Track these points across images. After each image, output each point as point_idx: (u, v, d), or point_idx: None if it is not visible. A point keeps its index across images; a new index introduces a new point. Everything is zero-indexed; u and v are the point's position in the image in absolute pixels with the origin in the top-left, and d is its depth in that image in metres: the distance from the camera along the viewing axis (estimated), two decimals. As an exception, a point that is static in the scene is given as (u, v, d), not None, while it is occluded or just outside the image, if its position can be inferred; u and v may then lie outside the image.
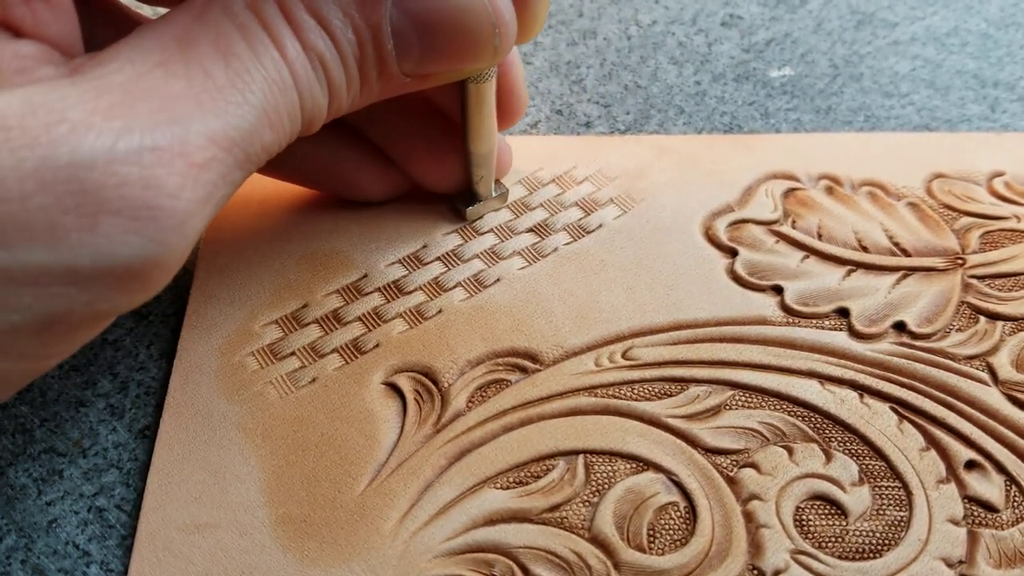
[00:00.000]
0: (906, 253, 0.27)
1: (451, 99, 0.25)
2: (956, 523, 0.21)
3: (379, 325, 0.25)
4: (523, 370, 0.24)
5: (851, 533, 0.21)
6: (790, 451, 0.22)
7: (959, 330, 0.25)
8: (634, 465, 0.22)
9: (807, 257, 0.27)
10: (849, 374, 0.24)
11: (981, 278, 0.26)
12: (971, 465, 0.22)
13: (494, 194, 0.27)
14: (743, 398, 0.23)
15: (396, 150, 0.26)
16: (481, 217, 0.28)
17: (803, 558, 0.21)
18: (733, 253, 0.27)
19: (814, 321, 0.25)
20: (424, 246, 0.27)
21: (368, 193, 0.27)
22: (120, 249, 0.17)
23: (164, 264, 0.18)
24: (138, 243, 0.17)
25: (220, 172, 0.18)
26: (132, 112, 0.17)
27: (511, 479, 0.22)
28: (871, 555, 0.21)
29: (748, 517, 0.21)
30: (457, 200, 0.27)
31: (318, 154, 0.26)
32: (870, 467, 0.22)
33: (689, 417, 0.23)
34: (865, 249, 0.27)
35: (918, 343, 0.25)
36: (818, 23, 0.36)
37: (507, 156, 0.28)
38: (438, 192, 0.27)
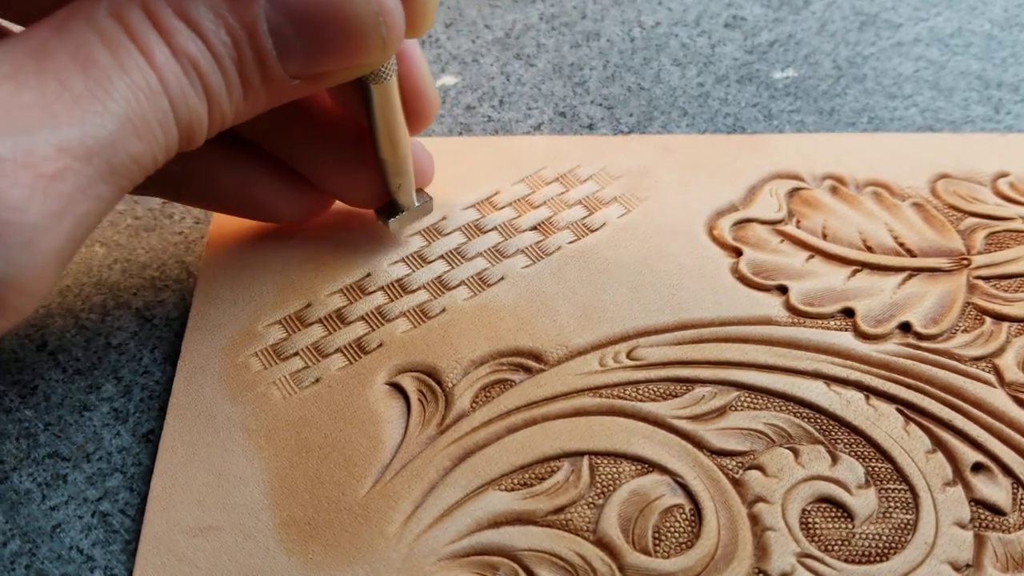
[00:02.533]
0: (911, 253, 0.27)
1: (357, 105, 0.23)
2: (963, 526, 0.21)
3: (383, 324, 0.25)
4: (527, 370, 0.24)
5: (857, 536, 0.21)
6: (796, 453, 0.22)
7: (965, 331, 0.25)
8: (639, 467, 0.22)
9: (812, 257, 0.27)
10: (855, 375, 0.24)
11: (987, 279, 0.26)
12: (978, 468, 0.22)
13: (417, 203, 0.26)
14: (748, 399, 0.23)
15: (307, 166, 0.25)
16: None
17: (809, 561, 0.21)
18: (738, 253, 0.27)
19: (819, 321, 0.25)
20: (427, 244, 0.27)
21: (285, 215, 0.26)
22: None
23: (18, 285, 0.17)
24: None
25: (77, 184, 0.17)
26: None
27: (515, 481, 0.22)
28: (877, 558, 0.21)
29: (754, 520, 0.21)
30: (380, 214, 0.26)
31: (226, 177, 0.25)
32: (876, 469, 0.22)
33: (694, 418, 0.23)
34: (870, 249, 0.27)
35: (924, 344, 0.24)
36: (821, 24, 0.36)
37: (427, 164, 0.27)
38: (358, 206, 0.26)
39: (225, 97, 0.19)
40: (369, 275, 0.26)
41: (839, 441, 0.23)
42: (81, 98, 0.17)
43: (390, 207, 0.26)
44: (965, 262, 0.26)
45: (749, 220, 0.28)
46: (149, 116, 0.18)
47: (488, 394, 0.23)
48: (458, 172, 0.29)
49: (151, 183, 0.20)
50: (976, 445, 0.22)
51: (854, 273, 0.26)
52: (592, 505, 0.21)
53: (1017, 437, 0.23)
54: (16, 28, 0.24)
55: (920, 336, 0.25)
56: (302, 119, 0.25)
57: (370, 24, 0.20)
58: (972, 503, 0.22)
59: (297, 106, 0.24)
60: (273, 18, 0.19)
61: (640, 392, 0.23)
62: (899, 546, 0.21)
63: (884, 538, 0.21)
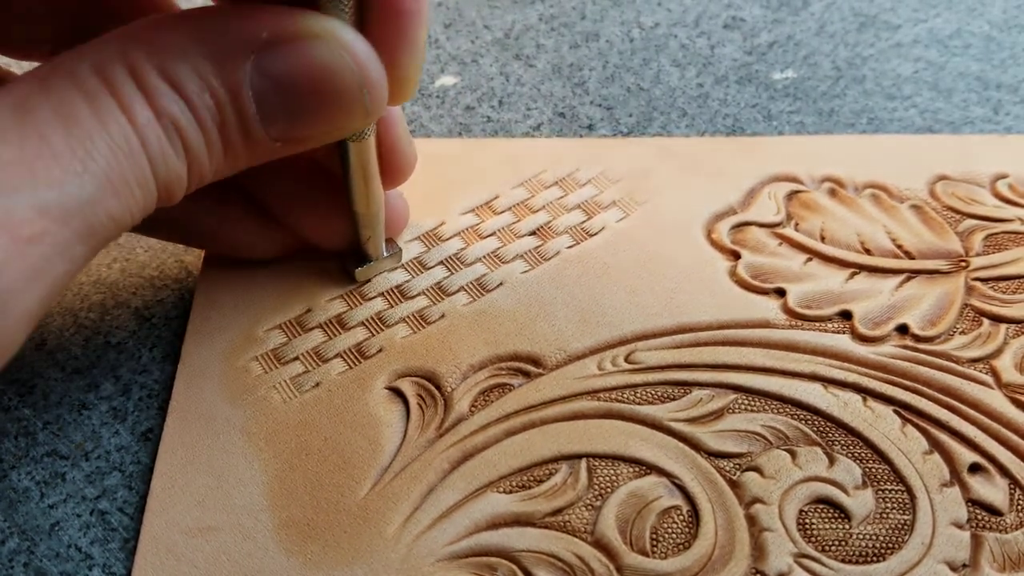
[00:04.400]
0: (909, 255, 0.27)
1: (334, 158, 0.24)
2: (960, 526, 0.21)
3: (382, 330, 0.25)
4: (526, 374, 0.24)
5: (854, 537, 0.21)
6: (793, 454, 0.22)
7: (962, 333, 0.25)
8: (637, 469, 0.22)
9: (810, 260, 0.27)
10: (852, 377, 0.24)
11: (984, 280, 0.26)
12: (975, 468, 0.22)
13: (385, 254, 0.26)
14: (746, 401, 0.23)
15: (282, 209, 0.25)
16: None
17: (806, 562, 0.21)
18: (736, 256, 0.27)
19: (817, 324, 0.25)
20: (427, 250, 0.27)
21: (257, 253, 0.26)
22: None
23: None
24: None
25: (54, 246, 0.17)
26: None
27: (514, 483, 0.22)
28: (874, 559, 0.21)
29: (751, 521, 0.21)
30: (347, 260, 0.26)
31: (201, 215, 0.25)
32: (873, 470, 0.22)
33: (692, 420, 0.23)
34: (868, 252, 0.27)
35: (921, 346, 0.25)
36: (820, 25, 0.36)
37: (403, 213, 0.27)
38: (329, 250, 0.26)
39: (205, 157, 0.19)
40: (369, 281, 0.26)
41: (836, 443, 0.23)
42: (61, 156, 0.17)
43: (358, 256, 0.26)
44: (963, 264, 0.27)
45: (747, 223, 0.28)
46: (128, 175, 0.18)
47: (487, 398, 0.23)
48: (457, 176, 0.29)
49: None
50: (973, 446, 0.23)
51: (852, 275, 0.26)
52: (590, 507, 0.22)
53: (1014, 438, 0.23)
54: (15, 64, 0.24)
55: (918, 338, 0.25)
56: (284, 164, 0.24)
57: (354, 93, 0.20)
58: (969, 503, 0.22)
59: None
60: (258, 83, 0.19)
61: (638, 395, 0.23)
62: (896, 546, 0.21)
63: (881, 538, 0.21)
